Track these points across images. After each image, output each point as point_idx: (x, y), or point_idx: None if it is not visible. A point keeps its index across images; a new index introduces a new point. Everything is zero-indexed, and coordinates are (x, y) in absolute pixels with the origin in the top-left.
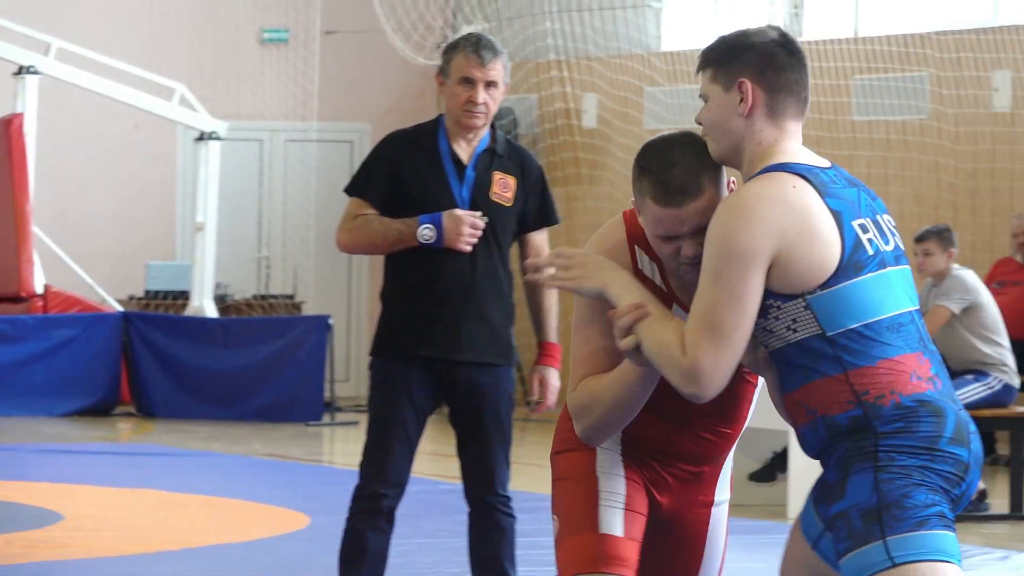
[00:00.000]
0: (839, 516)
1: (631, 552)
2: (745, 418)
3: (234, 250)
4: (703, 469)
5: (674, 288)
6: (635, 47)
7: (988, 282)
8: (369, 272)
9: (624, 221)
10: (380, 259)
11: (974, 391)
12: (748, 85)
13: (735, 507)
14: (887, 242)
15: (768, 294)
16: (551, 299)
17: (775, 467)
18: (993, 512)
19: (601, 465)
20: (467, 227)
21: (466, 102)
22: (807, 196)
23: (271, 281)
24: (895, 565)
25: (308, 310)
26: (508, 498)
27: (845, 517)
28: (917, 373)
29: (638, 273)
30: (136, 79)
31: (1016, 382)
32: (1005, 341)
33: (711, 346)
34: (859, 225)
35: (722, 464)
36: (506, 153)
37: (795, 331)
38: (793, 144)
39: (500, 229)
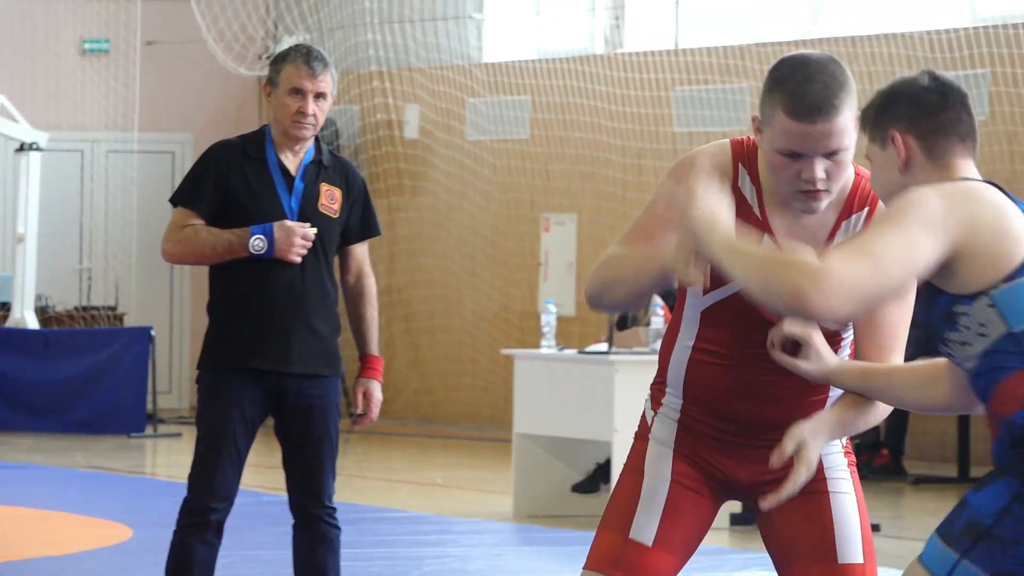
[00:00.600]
0: (959, 504)
1: (658, 562)
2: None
3: (55, 261)
4: (776, 434)
5: (769, 217)
6: (456, 58)
7: None
8: (192, 283)
9: (728, 141)
10: (203, 271)
11: None
12: (899, 137)
13: (558, 518)
14: None
15: (953, 300)
16: (372, 311)
17: (598, 478)
18: None
19: (650, 463)
20: (298, 238)
21: (295, 113)
22: (999, 196)
23: (93, 292)
24: None
25: (130, 321)
26: (334, 509)
27: (958, 511)
28: None
29: (736, 190)
30: None
31: None
32: None
33: (860, 261)
34: None
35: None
36: (332, 165)
37: (985, 335)
38: (960, 175)
39: (327, 240)
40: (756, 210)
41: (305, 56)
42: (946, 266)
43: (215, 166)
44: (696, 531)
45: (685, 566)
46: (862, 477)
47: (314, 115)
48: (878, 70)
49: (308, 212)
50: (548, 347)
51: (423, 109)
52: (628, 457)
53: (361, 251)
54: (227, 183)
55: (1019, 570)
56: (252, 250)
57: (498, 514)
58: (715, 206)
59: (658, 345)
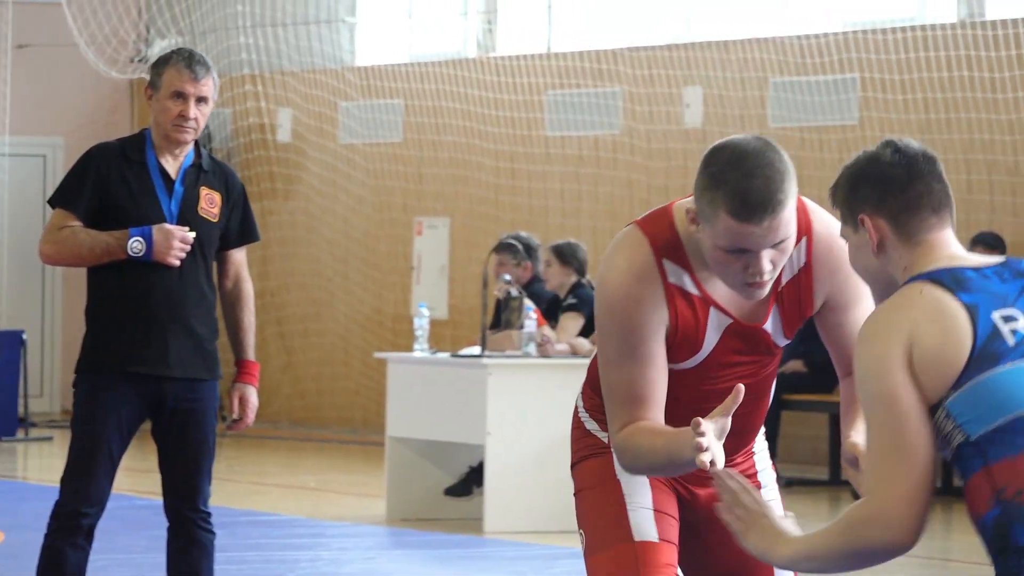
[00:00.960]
0: None
1: (671, 556)
2: (770, 387)
3: None
4: (740, 443)
5: (711, 293)
6: (329, 62)
7: None
8: (64, 286)
9: (643, 233)
10: (76, 274)
11: None
12: (868, 221)
13: (431, 522)
14: None
15: None
16: (250, 316)
17: (471, 481)
18: None
19: (619, 470)
20: (177, 241)
21: (177, 116)
22: (933, 296)
23: None
24: None
25: (1, 325)
26: (209, 514)
27: None
28: None
29: (669, 288)
30: None
31: None
32: None
33: (893, 473)
34: (1002, 316)
35: (755, 437)
36: (211, 169)
37: (950, 445)
38: (936, 254)
39: (207, 244)
40: (697, 293)
41: (187, 60)
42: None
43: (94, 168)
44: (677, 525)
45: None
46: None
47: (195, 119)
48: (750, 76)
49: (188, 216)
50: (421, 350)
51: (296, 112)
52: (590, 473)
53: (239, 256)
54: (106, 186)
55: None
56: (131, 252)
57: (371, 517)
58: (769, 519)
59: (532, 349)
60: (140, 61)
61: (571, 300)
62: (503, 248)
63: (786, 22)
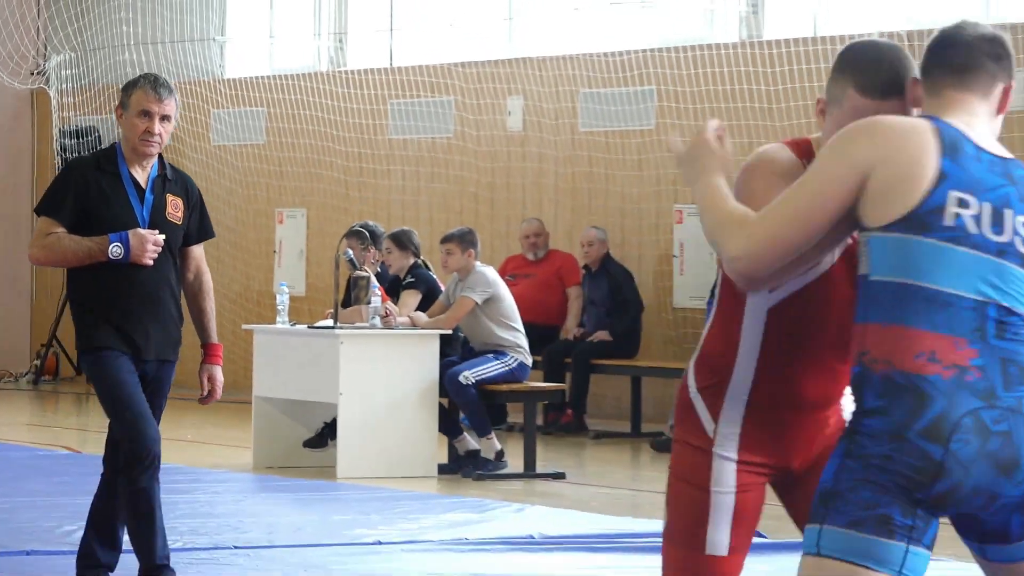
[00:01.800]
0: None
1: (734, 568)
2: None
3: None
4: (830, 410)
5: None
6: (202, 75)
7: (502, 275)
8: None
9: (786, 144)
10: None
11: (493, 368)
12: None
13: (291, 469)
14: (998, 232)
15: (854, 224)
16: (210, 304)
17: (326, 434)
18: (510, 471)
19: (715, 480)
20: (150, 244)
21: (143, 132)
22: (924, 142)
23: None
24: (819, 555)
25: None
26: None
27: (816, 493)
28: (935, 355)
29: None
30: None
31: (529, 361)
32: (519, 326)
33: (781, 223)
34: (959, 198)
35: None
36: (174, 178)
37: (858, 270)
38: (953, 114)
39: (173, 244)
40: None
41: (152, 83)
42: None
43: (74, 180)
44: (756, 523)
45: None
46: (548, 434)
47: (159, 134)
48: (564, 88)
49: (157, 220)
50: (282, 322)
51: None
52: (687, 468)
53: (199, 251)
54: (86, 195)
55: (864, 514)
56: (111, 255)
57: (240, 465)
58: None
59: (377, 321)
60: (39, 74)
61: (409, 279)
62: (352, 234)
63: (594, 41)
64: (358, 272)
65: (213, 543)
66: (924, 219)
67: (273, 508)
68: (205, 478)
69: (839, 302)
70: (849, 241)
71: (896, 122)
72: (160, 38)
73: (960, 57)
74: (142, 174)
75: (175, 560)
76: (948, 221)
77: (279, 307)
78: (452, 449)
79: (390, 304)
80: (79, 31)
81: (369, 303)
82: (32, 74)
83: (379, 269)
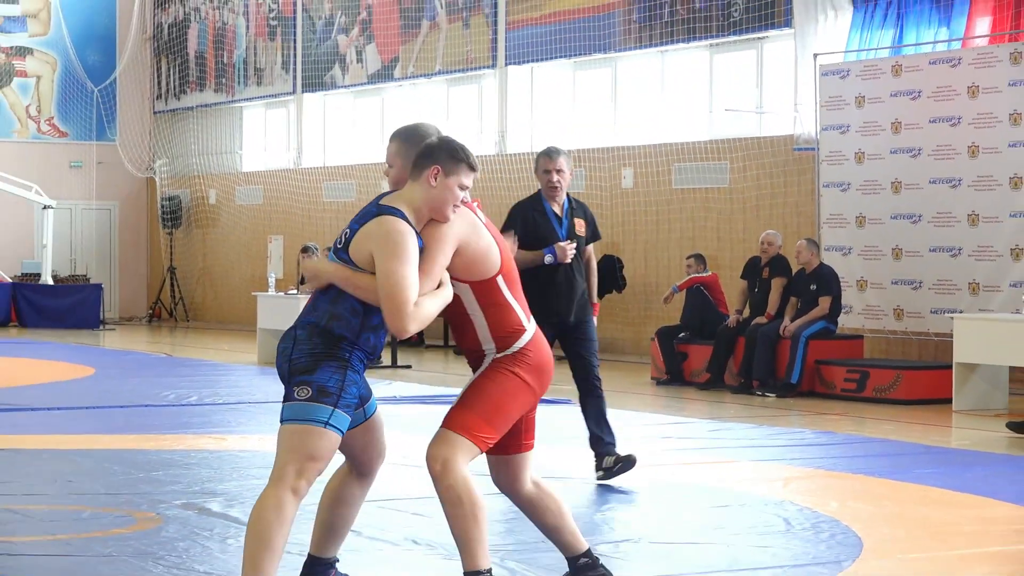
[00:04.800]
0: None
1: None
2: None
3: None
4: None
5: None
6: (227, 169)
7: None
8: (118, 260)
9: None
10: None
11: None
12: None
13: None
14: (339, 242)
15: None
16: (593, 277)
17: None
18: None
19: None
20: (569, 252)
21: (549, 185)
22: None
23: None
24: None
25: (92, 279)
26: (599, 379)
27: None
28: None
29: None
30: None
31: None
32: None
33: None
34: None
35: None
36: (576, 207)
37: None
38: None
39: (580, 249)
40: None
41: (547, 151)
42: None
43: (520, 215)
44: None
45: None
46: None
47: (558, 183)
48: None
49: (571, 235)
50: None
51: None
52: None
53: (590, 248)
54: (527, 223)
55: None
56: (546, 261)
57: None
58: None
59: None
60: (148, 168)
61: None
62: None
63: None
64: None
65: (234, 397)
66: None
67: (265, 382)
68: (238, 370)
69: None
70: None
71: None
72: (205, 151)
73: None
74: (558, 208)
75: (218, 402)
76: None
77: None
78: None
79: None
80: (168, 146)
81: None
82: (147, 168)
83: None
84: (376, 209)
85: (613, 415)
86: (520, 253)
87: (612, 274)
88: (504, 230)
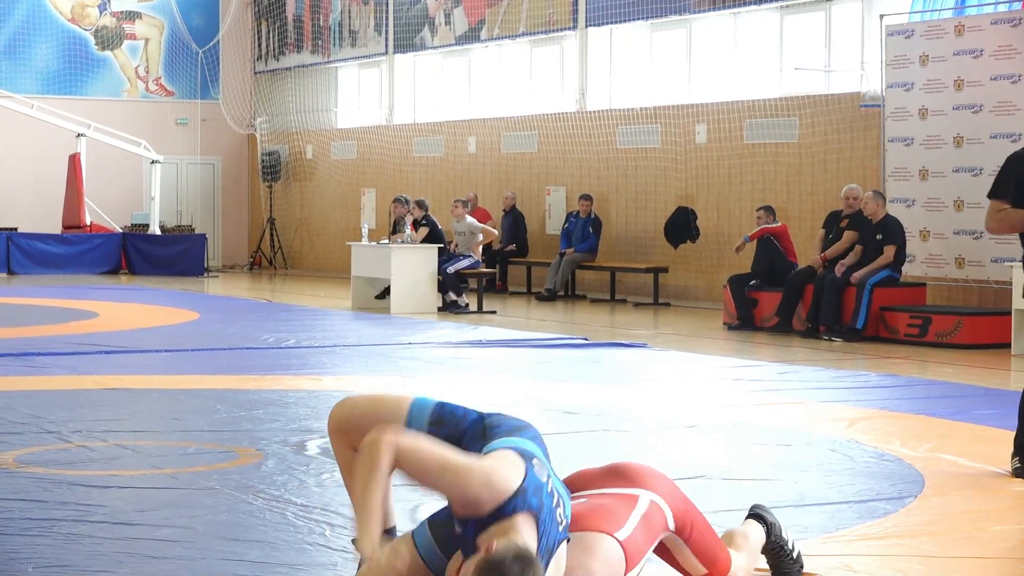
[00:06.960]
0: None
1: None
2: None
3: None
4: None
5: None
6: (323, 125)
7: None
8: (223, 211)
9: None
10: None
11: (464, 262)
12: None
13: (370, 309)
14: None
15: None
16: None
17: (385, 293)
18: (471, 311)
19: None
20: None
21: None
22: None
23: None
24: None
25: (196, 231)
26: None
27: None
28: None
29: None
30: None
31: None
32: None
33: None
34: None
35: None
36: None
37: None
38: None
39: None
40: None
41: None
42: None
43: (1015, 170)
44: None
45: None
46: (496, 293)
47: None
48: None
49: None
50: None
51: None
52: None
53: None
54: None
55: None
56: None
57: (345, 307)
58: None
59: (409, 240)
60: (250, 125)
61: (423, 222)
62: (397, 200)
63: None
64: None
65: (330, 341)
66: None
67: (359, 326)
68: (333, 315)
69: None
70: None
71: None
72: (302, 108)
73: None
74: None
75: (314, 345)
76: None
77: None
78: (444, 300)
79: (413, 232)
80: (268, 104)
81: (404, 231)
82: (248, 125)
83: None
84: None
85: (688, 358)
86: (1018, 212)
87: (686, 225)
88: (996, 187)
